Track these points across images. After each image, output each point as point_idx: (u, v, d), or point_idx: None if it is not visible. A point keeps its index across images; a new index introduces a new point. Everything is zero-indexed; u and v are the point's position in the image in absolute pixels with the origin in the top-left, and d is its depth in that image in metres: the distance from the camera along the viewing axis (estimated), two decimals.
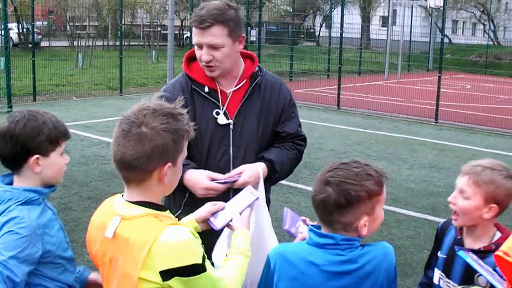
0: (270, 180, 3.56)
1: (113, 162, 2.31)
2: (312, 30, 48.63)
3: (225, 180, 3.27)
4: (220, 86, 3.49)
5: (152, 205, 2.33)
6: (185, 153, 2.38)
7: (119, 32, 22.95)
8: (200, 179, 3.29)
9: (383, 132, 14.38)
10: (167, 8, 29.36)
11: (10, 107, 15.54)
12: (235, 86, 3.51)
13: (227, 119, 3.46)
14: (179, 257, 2.22)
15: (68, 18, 39.71)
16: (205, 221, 2.82)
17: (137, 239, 2.24)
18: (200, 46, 3.35)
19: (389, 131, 14.52)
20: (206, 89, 3.46)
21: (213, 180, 3.27)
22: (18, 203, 2.72)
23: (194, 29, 3.36)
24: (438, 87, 16.42)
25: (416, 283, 5.89)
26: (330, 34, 28.85)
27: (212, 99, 3.45)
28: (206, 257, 2.32)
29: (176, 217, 3.17)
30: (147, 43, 33.02)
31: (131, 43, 37.68)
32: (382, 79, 26.27)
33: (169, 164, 2.30)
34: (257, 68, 3.58)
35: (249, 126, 3.50)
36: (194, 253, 2.25)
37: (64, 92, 19.39)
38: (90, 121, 14.07)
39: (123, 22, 24.04)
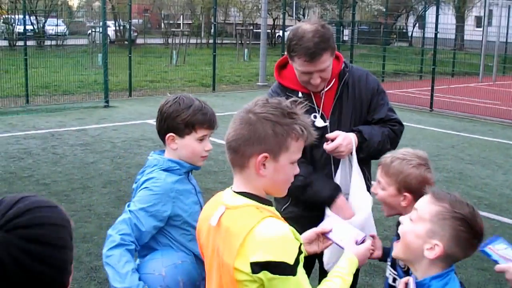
0: (362, 150, 3.62)
1: (227, 142, 2.39)
2: (404, 30, 47.90)
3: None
4: (310, 90, 3.63)
5: (255, 197, 2.38)
6: (293, 153, 2.38)
7: (212, 30, 23.30)
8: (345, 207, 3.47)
9: (477, 136, 14.05)
10: (260, 7, 29.64)
11: (107, 102, 16.07)
12: (326, 87, 3.63)
13: (324, 121, 3.61)
14: (271, 250, 2.21)
15: (163, 16, 40.66)
16: (312, 242, 2.86)
17: (236, 228, 2.30)
18: (309, 73, 3.49)
19: (483, 135, 14.17)
20: (300, 94, 3.58)
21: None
22: (161, 168, 3.15)
23: (300, 61, 3.45)
24: None
25: None
26: (424, 34, 28.36)
27: (308, 103, 3.51)
28: (302, 263, 2.31)
29: (282, 209, 3.43)
30: (240, 42, 33.37)
31: (224, 41, 38.16)
32: (477, 81, 25.64)
33: (266, 155, 2.31)
34: (343, 65, 3.70)
35: (344, 124, 3.63)
36: (287, 252, 2.24)
37: (159, 88, 19.91)
38: None
39: (216, 20, 24.37)
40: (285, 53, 3.62)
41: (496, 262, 2.79)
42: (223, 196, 2.47)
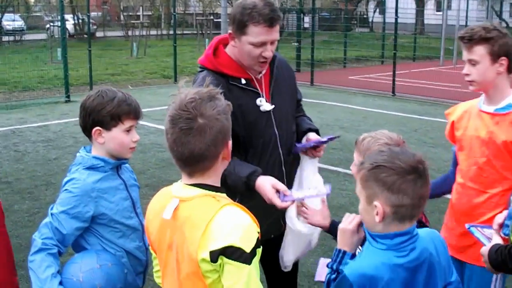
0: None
1: (178, 161, 2.34)
2: (365, 16, 48.15)
3: (290, 198, 3.24)
4: (251, 74, 3.53)
5: (210, 187, 2.37)
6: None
7: (172, 21, 23.12)
8: (266, 189, 3.26)
9: (439, 119, 14.15)
10: None
11: (68, 96, 15.86)
12: (261, 72, 3.55)
13: (270, 104, 3.55)
14: (229, 237, 2.22)
15: (122, 8, 40.23)
16: None
17: (196, 219, 2.28)
18: (264, 44, 3.37)
19: (445, 118, 14.24)
20: (243, 81, 3.49)
21: (277, 190, 3.23)
22: (84, 167, 3.12)
23: (257, 29, 3.32)
24: None
25: None
26: (384, 19, 28.50)
27: (251, 89, 3.50)
28: (258, 257, 2.29)
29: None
30: (200, 32, 33.19)
31: (184, 32, 37.93)
32: (438, 65, 25.86)
33: (230, 141, 2.40)
34: None
35: (284, 105, 3.62)
36: (245, 239, 2.24)
37: (120, 81, 19.71)
38: (146, 109, 14.15)
39: (176, 11, 24.20)
40: (230, 30, 3.45)
41: (478, 240, 2.85)
42: (173, 190, 2.43)
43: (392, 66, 18.70)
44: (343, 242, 2.55)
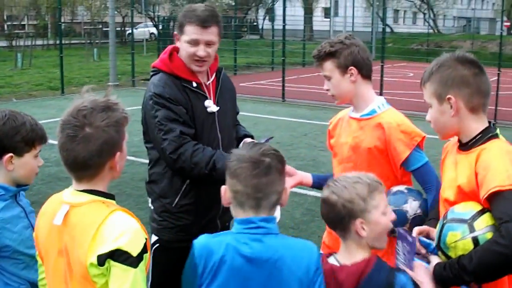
0: None
1: (65, 165, 2.39)
2: (255, 23, 48.64)
3: None
4: (201, 79, 3.81)
5: (99, 193, 2.42)
6: (126, 136, 2.48)
7: (58, 31, 22.49)
8: None
9: (328, 123, 14.42)
10: (107, 5, 29.00)
11: None
12: (208, 80, 3.86)
13: (216, 106, 3.82)
14: (117, 241, 2.25)
15: (5, 17, 38.89)
16: None
17: (85, 224, 2.32)
18: (197, 43, 3.66)
19: None
20: (194, 84, 3.75)
21: None
22: None
23: (191, 28, 3.65)
24: (381, 76, 16.57)
25: None
26: (273, 26, 28.85)
27: (200, 92, 3.76)
28: (145, 263, 2.33)
29: (173, 204, 3.70)
30: (88, 41, 32.53)
31: (72, 42, 37.02)
32: None
33: (118, 153, 2.41)
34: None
35: (227, 112, 3.90)
36: (132, 243, 2.27)
37: (3, 94, 18.93)
38: None
39: (62, 20, 23.58)
40: (175, 32, 3.76)
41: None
42: (63, 196, 2.45)
43: (281, 72, 18.89)
44: None
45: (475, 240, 2.52)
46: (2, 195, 2.93)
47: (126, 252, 2.24)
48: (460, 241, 2.56)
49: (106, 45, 25.64)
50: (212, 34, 3.67)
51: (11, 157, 2.92)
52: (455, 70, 2.73)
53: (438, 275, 2.60)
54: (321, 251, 3.63)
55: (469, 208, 2.60)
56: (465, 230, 2.55)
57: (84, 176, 2.39)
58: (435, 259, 2.68)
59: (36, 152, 3.00)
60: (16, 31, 32.56)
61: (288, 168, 3.38)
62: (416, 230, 2.88)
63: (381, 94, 16.29)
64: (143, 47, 32.77)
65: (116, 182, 2.42)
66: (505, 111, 15.85)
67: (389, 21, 44.58)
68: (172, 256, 3.63)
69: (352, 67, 3.41)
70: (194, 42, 3.66)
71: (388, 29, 28.49)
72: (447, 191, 2.81)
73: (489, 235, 2.49)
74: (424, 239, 2.85)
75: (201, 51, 3.66)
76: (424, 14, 53.96)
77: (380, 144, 3.39)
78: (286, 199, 2.54)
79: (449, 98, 2.71)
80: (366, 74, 3.48)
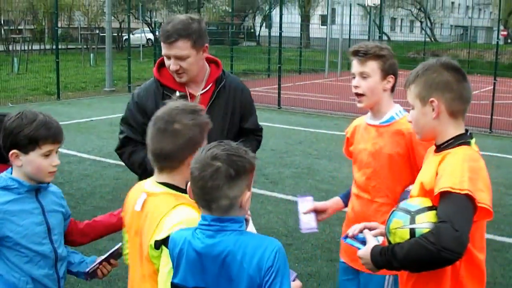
0: None
1: (151, 155, 2.76)
2: (252, 30, 48.70)
3: None
4: (190, 89, 3.90)
5: (175, 187, 2.75)
6: (205, 142, 2.76)
7: (55, 36, 22.47)
8: None
9: (324, 131, 14.45)
10: (104, 10, 28.97)
11: None
12: (202, 90, 3.92)
13: None
14: (171, 229, 2.56)
15: (2, 21, 38.82)
16: None
17: (155, 213, 2.67)
18: (168, 57, 3.77)
19: (329, 129, 14.59)
20: (177, 93, 3.80)
21: None
22: None
23: (162, 43, 3.76)
24: None
25: None
26: (269, 33, 28.86)
27: None
28: None
29: None
30: (85, 46, 32.49)
31: (69, 47, 36.95)
32: (323, 78, 26.45)
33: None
34: (221, 73, 3.99)
35: (217, 125, 3.70)
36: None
37: None
38: None
39: (59, 25, 23.56)
40: None
41: (354, 247, 2.98)
42: (145, 185, 2.83)
43: (277, 79, 18.91)
44: None
45: (412, 232, 2.66)
46: (16, 188, 3.05)
47: None
48: (399, 229, 2.72)
49: (102, 51, 25.58)
50: (178, 48, 3.71)
51: (16, 153, 3.02)
52: (440, 75, 2.85)
53: (373, 256, 2.76)
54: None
55: (419, 202, 2.75)
56: (407, 220, 2.70)
57: (166, 167, 2.74)
58: (372, 241, 2.86)
59: (43, 152, 3.03)
60: (13, 35, 32.50)
61: (319, 205, 3.82)
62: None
63: None
64: (139, 52, 32.75)
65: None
66: (501, 120, 15.85)
67: (386, 29, 44.72)
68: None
69: (392, 76, 3.60)
70: (166, 56, 3.79)
71: (385, 37, 28.54)
72: (413, 187, 2.95)
73: (425, 231, 2.62)
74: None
75: (172, 65, 3.77)
76: (421, 22, 54.09)
77: (400, 149, 3.56)
78: (246, 206, 2.51)
79: (432, 101, 2.84)
80: (394, 86, 3.66)
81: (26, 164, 3.04)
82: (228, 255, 2.43)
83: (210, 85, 3.94)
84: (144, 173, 3.66)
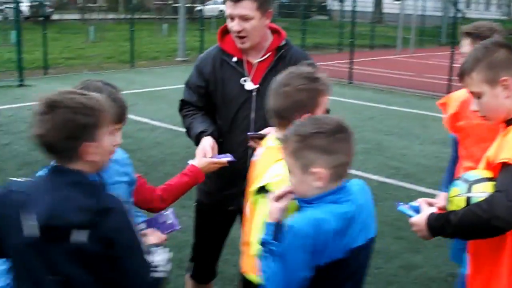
0: None
1: (271, 111, 2.98)
2: (324, 4, 48.24)
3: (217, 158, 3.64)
4: (248, 57, 3.88)
5: None
6: (323, 106, 2.95)
7: (129, 6, 22.80)
8: (198, 148, 3.70)
9: (395, 107, 14.29)
10: None
11: (21, 80, 15.54)
12: (261, 57, 3.88)
13: (254, 84, 3.86)
14: (270, 179, 2.78)
15: None
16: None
17: (264, 162, 2.95)
18: (232, 18, 3.76)
19: (401, 106, 14.42)
20: (234, 59, 3.86)
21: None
22: None
23: (227, 2, 3.78)
24: (451, 62, 16.25)
25: (427, 258, 5.89)
26: (342, 7, 28.57)
27: (239, 69, 3.85)
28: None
29: None
30: (158, 17, 32.83)
31: (143, 17, 37.47)
32: (395, 54, 26.09)
33: (308, 114, 2.82)
34: (283, 42, 3.93)
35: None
36: (278, 185, 2.71)
37: (75, 65, 19.36)
38: None
39: None
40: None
41: (410, 216, 2.98)
42: (268, 139, 3.11)
43: (349, 54, 18.76)
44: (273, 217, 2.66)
45: (468, 200, 2.71)
46: None
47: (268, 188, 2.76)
48: (456, 197, 2.77)
49: (175, 21, 25.82)
50: (244, 8, 3.70)
51: None
52: (500, 53, 2.82)
53: (429, 221, 2.81)
54: None
55: (479, 173, 2.78)
56: (464, 189, 2.74)
57: (281, 124, 2.93)
58: (427, 209, 2.91)
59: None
60: (89, 4, 33.08)
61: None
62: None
63: (450, 80, 16.01)
64: (212, 23, 32.96)
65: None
66: None
67: (461, 5, 43.59)
68: (205, 216, 4.20)
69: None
70: (230, 17, 3.79)
71: (459, 14, 27.82)
72: (481, 161, 2.93)
73: (481, 199, 2.63)
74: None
75: (235, 25, 3.76)
76: None
77: None
78: None
79: (503, 80, 2.78)
80: None
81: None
82: (360, 206, 2.67)
83: (269, 53, 3.90)
84: (190, 138, 3.92)
